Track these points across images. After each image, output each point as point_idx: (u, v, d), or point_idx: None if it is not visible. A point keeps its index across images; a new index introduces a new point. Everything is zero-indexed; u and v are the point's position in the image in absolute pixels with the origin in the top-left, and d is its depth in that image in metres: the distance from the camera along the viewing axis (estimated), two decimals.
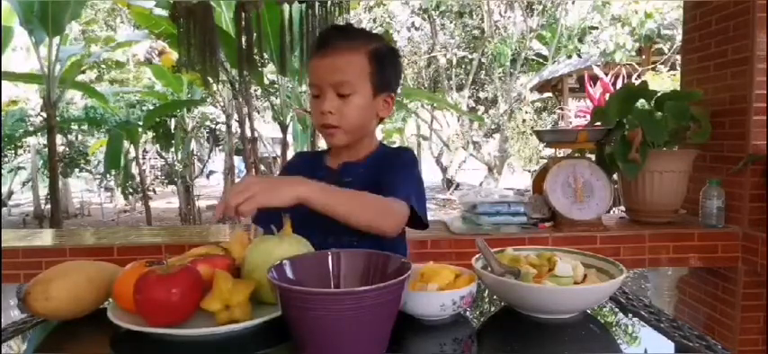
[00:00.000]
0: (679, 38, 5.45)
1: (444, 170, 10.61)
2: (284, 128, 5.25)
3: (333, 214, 0.96)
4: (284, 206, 0.88)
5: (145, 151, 9.24)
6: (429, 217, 1.14)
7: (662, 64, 6.46)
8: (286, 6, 3.68)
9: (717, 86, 2.24)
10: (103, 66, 8.22)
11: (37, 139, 8.40)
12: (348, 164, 1.17)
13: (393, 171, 1.11)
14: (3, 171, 7.96)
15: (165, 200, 10.32)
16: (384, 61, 1.11)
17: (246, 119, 5.26)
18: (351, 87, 1.07)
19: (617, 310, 0.85)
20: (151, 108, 7.07)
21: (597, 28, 7.99)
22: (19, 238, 2.23)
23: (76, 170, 8.19)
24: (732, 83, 2.16)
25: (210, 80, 3.90)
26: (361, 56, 1.08)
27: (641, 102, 2.21)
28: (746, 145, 2.08)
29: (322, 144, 6.12)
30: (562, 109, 8.26)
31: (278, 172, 1.29)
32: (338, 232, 1.01)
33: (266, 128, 9.85)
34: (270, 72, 5.71)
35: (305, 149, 6.09)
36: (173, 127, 7.26)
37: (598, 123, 2.25)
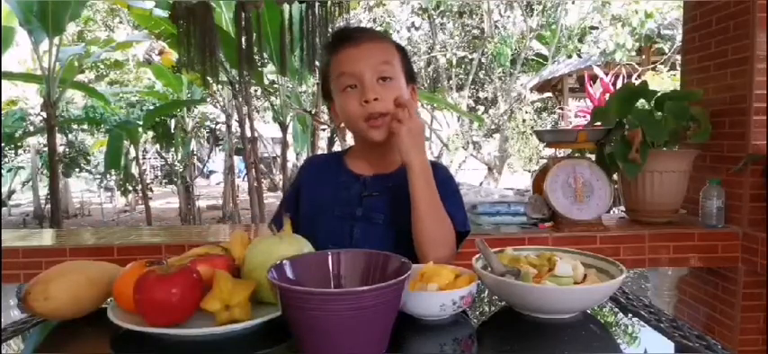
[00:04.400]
0: (679, 38, 5.45)
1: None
2: (284, 128, 5.25)
3: (417, 200, 1.00)
4: (401, 156, 0.99)
5: (145, 151, 9.24)
6: None
7: (662, 64, 6.46)
8: (286, 6, 3.68)
9: (717, 86, 2.24)
10: (102, 66, 8.21)
11: (37, 139, 8.39)
12: (378, 177, 1.11)
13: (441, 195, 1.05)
14: (3, 171, 7.96)
15: (165, 200, 10.32)
16: (405, 53, 1.13)
17: (246, 119, 5.25)
18: (391, 69, 1.05)
19: (617, 310, 0.85)
20: (151, 108, 7.07)
21: (597, 28, 7.99)
22: (19, 238, 2.23)
23: (76, 170, 8.19)
24: (732, 83, 2.16)
25: (210, 80, 3.90)
26: (390, 44, 1.10)
27: (641, 102, 2.21)
28: (746, 145, 2.08)
29: (322, 145, 6.11)
30: (562, 109, 8.26)
31: (285, 176, 1.26)
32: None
33: (266, 128, 9.85)
34: (270, 72, 5.70)
35: (305, 149, 6.09)
36: (173, 127, 7.26)
37: (598, 123, 2.25)
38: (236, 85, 5.03)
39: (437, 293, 0.76)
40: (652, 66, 6.54)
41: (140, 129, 6.77)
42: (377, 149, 1.10)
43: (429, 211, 1.01)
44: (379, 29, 9.43)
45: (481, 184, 9.30)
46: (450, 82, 10.30)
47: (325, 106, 1.18)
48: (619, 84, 3.94)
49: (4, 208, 8.49)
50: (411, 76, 1.13)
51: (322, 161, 1.31)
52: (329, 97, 1.13)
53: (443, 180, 1.09)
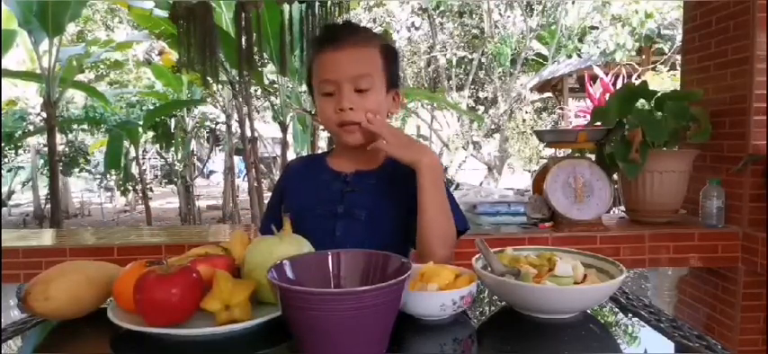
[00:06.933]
0: (679, 38, 5.45)
1: (444, 170, 10.60)
2: (284, 128, 5.24)
3: (425, 201, 1.00)
4: (403, 162, 1.00)
5: (145, 151, 9.23)
6: None
7: (662, 64, 6.47)
8: (286, 6, 3.69)
9: (717, 86, 2.24)
10: (102, 66, 8.21)
11: (37, 139, 8.39)
12: (361, 174, 1.12)
13: None
14: (3, 171, 7.95)
15: (165, 200, 10.32)
16: (391, 57, 1.11)
17: (246, 119, 5.25)
18: (369, 81, 1.04)
19: (617, 310, 0.85)
20: (151, 108, 7.06)
21: (597, 28, 7.98)
22: (19, 238, 2.23)
23: (76, 170, 8.18)
24: (732, 83, 2.16)
25: (210, 80, 3.89)
26: (375, 50, 1.07)
27: (641, 102, 2.21)
28: (746, 145, 2.08)
29: (322, 145, 6.11)
30: (562, 109, 8.27)
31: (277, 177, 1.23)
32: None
33: (266, 128, 9.84)
34: (270, 72, 5.70)
35: (305, 149, 6.09)
36: (173, 127, 7.25)
37: (598, 123, 2.25)
38: (236, 85, 5.03)
39: (437, 293, 0.76)
40: (652, 66, 6.54)
41: (140, 129, 6.76)
42: (358, 148, 1.10)
43: (439, 209, 1.02)
44: (378, 29, 9.43)
45: (481, 184, 9.30)
46: (450, 82, 10.30)
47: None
48: (619, 84, 3.95)
49: (4, 208, 8.49)
50: (394, 81, 1.11)
51: (303, 163, 1.30)
52: (312, 89, 1.14)
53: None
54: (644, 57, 6.81)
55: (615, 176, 2.31)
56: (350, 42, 1.05)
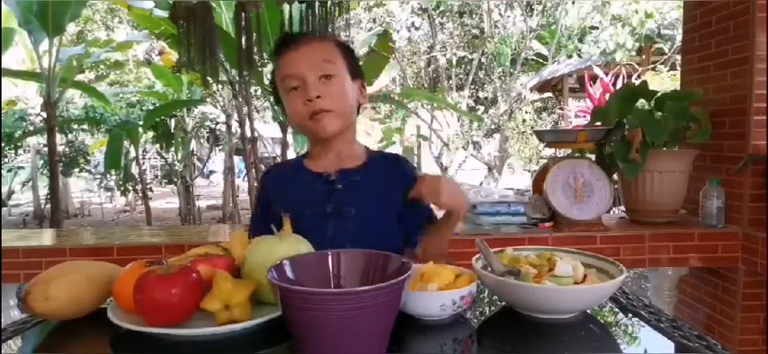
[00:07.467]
0: (679, 38, 5.45)
1: (444, 170, 10.60)
2: (284, 128, 5.24)
3: (444, 234, 1.11)
4: (448, 208, 1.05)
5: (145, 151, 9.23)
6: None
7: (662, 64, 6.47)
8: (286, 6, 3.68)
9: (717, 86, 2.24)
10: (103, 66, 8.20)
11: (37, 139, 8.39)
12: (346, 172, 1.12)
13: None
14: (3, 171, 7.95)
15: (165, 200, 10.32)
16: (347, 50, 1.13)
17: (246, 119, 5.24)
18: (332, 67, 1.07)
19: (617, 310, 0.85)
20: (151, 108, 7.06)
21: (597, 28, 7.98)
22: (19, 238, 2.23)
23: (76, 170, 8.18)
24: (732, 83, 2.16)
25: (210, 80, 3.89)
26: (331, 43, 1.11)
27: (641, 102, 2.21)
28: (746, 145, 2.08)
29: None
30: (562, 109, 8.27)
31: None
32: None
33: (266, 128, 9.84)
34: (270, 72, 5.70)
35: (305, 149, 6.10)
36: (173, 127, 7.25)
37: (598, 123, 2.25)
38: (236, 85, 5.03)
39: (437, 293, 0.76)
40: (652, 66, 6.54)
41: (140, 129, 6.75)
42: (334, 146, 1.11)
43: (447, 239, 1.12)
44: (378, 29, 9.43)
45: (481, 184, 9.30)
46: (450, 82, 10.30)
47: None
48: (619, 84, 3.94)
49: (4, 208, 8.49)
50: (357, 73, 1.14)
51: (281, 169, 1.29)
52: (280, 101, 1.14)
53: (414, 177, 1.11)
54: (644, 57, 6.81)
55: (615, 176, 2.31)
56: (306, 41, 1.09)
